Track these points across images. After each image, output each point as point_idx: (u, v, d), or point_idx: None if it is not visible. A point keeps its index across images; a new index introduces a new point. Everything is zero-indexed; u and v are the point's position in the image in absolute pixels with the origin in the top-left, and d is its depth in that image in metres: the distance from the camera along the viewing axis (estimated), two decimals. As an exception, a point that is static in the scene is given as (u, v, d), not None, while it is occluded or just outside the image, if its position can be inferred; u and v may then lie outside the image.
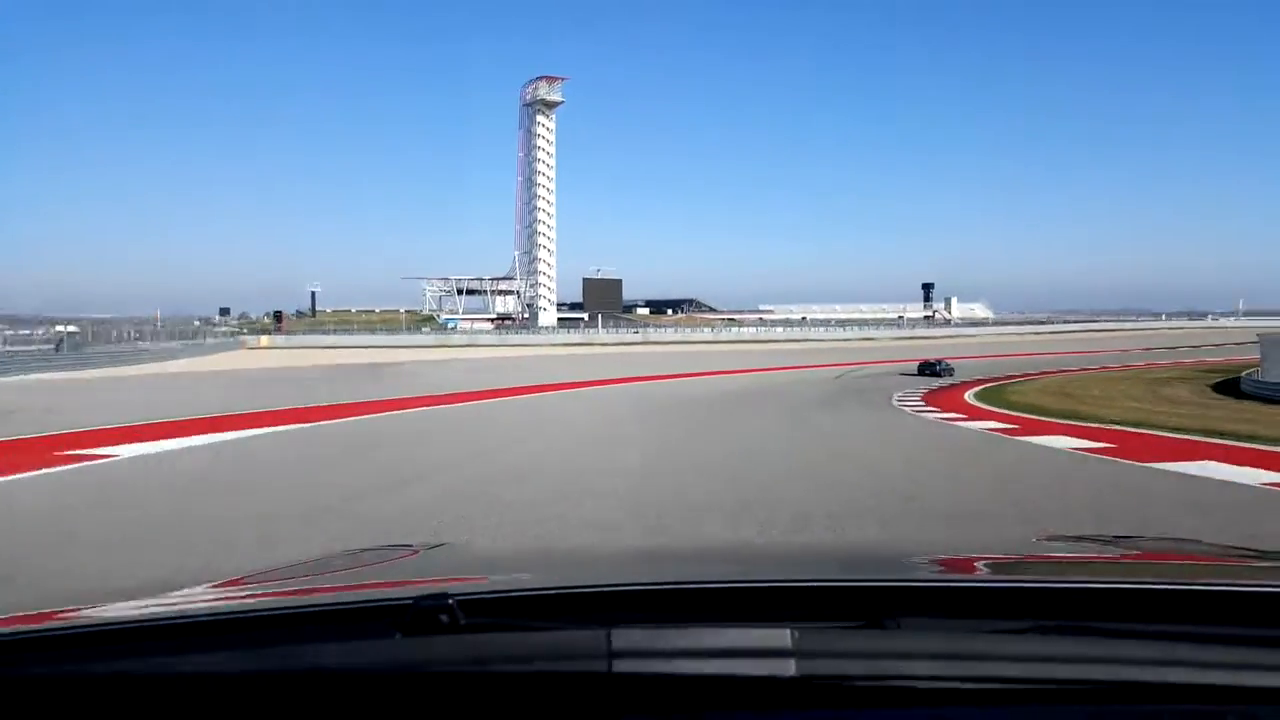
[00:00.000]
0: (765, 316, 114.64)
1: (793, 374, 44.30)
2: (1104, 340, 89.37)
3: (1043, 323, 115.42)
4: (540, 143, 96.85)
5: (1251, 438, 12.04)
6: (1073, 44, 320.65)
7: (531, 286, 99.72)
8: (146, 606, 1.23)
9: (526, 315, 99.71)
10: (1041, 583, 1.10)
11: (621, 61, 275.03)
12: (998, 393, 28.33)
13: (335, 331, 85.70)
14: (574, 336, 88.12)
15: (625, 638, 0.74)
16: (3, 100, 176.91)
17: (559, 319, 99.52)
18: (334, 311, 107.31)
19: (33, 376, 31.57)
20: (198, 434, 12.96)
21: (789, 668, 0.71)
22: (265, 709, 0.74)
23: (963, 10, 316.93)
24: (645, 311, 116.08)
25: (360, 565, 1.83)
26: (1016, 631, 0.85)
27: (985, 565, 1.38)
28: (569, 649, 0.75)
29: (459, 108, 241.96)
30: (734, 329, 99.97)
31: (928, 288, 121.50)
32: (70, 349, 42.71)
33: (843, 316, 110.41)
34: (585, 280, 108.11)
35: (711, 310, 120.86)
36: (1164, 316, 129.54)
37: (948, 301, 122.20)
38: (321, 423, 15.82)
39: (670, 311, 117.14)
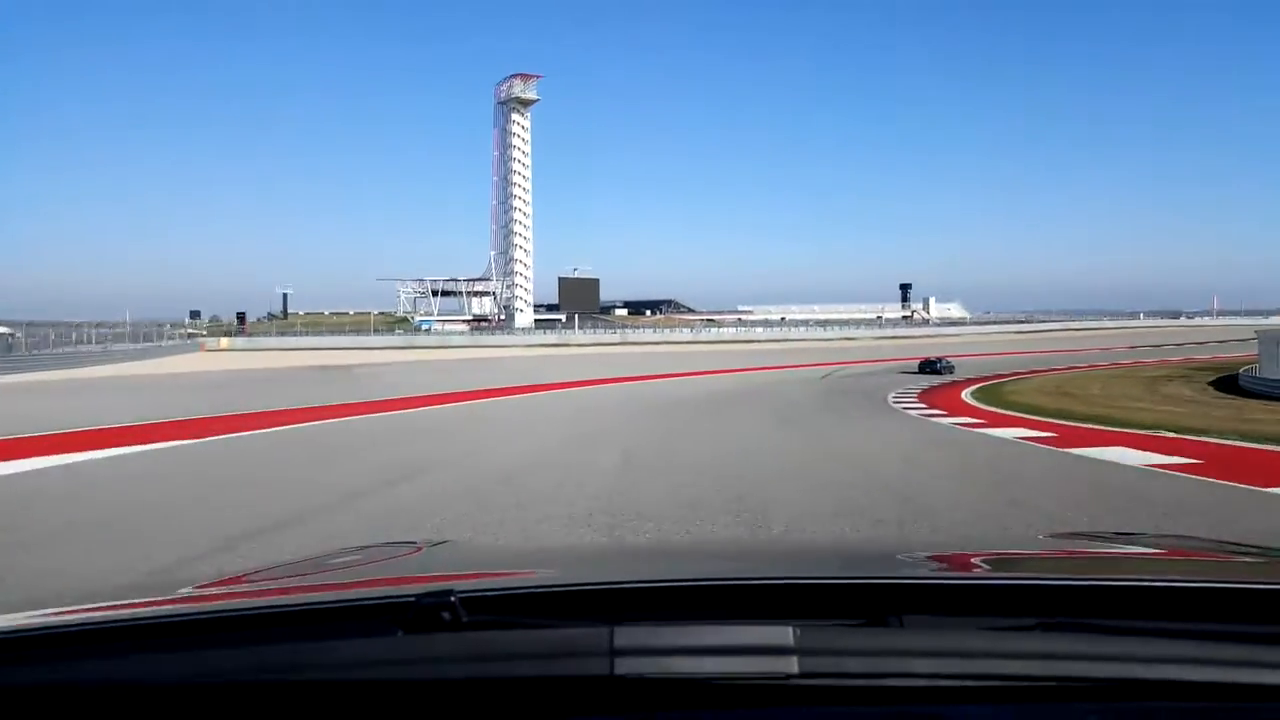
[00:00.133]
0: (744, 317, 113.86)
1: (778, 374, 43.27)
2: (1084, 339, 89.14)
3: (1022, 322, 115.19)
4: (516, 141, 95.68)
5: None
6: (1056, 45, 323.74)
7: (508, 288, 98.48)
8: (147, 605, 1.22)
9: (503, 317, 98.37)
10: (1043, 580, 1.09)
11: (598, 61, 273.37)
12: (1005, 394, 27.02)
13: (303, 333, 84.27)
14: (549, 337, 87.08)
15: (628, 635, 0.74)
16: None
17: (536, 320, 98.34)
18: (307, 314, 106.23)
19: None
20: (47, 453, 10.31)
21: (791, 665, 0.71)
22: (267, 707, 0.74)
23: (954, 11, 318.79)
24: (623, 312, 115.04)
25: (362, 562, 1.80)
26: (1018, 629, 0.84)
27: (987, 563, 1.38)
28: (571, 646, 0.75)
29: (437, 106, 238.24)
30: (713, 329, 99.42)
31: (905, 288, 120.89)
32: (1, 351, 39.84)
33: (821, 317, 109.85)
34: (561, 280, 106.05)
35: (690, 311, 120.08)
36: (1141, 315, 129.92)
37: (925, 302, 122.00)
38: (215, 438, 13.18)
39: (649, 312, 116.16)
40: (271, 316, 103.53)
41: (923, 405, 22.14)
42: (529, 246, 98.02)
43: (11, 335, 44.92)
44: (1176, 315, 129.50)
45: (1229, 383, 28.11)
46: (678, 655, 0.73)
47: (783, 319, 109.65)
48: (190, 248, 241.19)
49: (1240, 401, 21.43)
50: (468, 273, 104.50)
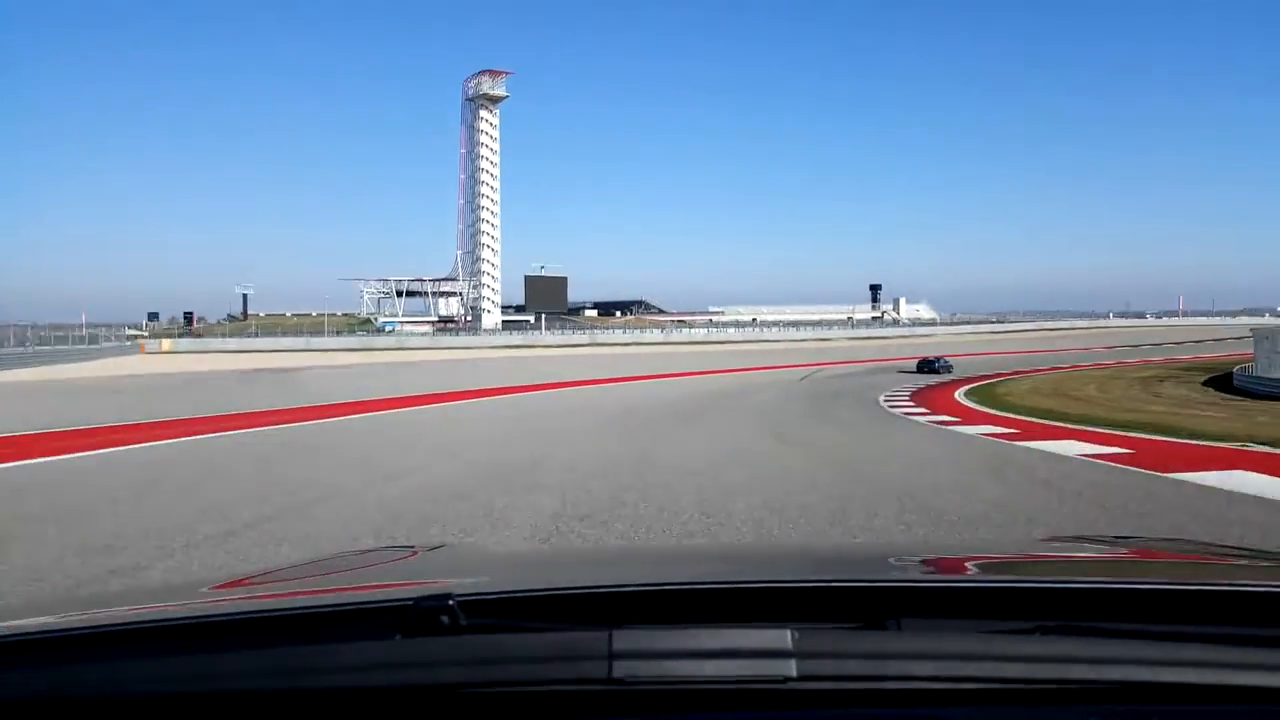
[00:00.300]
0: (715, 318, 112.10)
1: (759, 376, 40.71)
2: (1058, 339, 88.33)
3: (995, 323, 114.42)
4: (484, 139, 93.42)
5: None
6: (1007, 43, 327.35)
7: (475, 288, 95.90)
8: (145, 608, 1.20)
9: (470, 318, 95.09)
10: (1042, 583, 1.09)
11: (566, 59, 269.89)
12: (1005, 395, 25.28)
13: (257, 334, 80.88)
14: (515, 339, 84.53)
15: (626, 638, 0.74)
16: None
17: (504, 322, 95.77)
18: (268, 315, 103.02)
19: None
20: None
21: (790, 668, 0.71)
22: (266, 711, 0.74)
23: (911, 11, 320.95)
24: (593, 313, 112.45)
25: (360, 566, 1.81)
26: (1017, 632, 0.84)
27: (985, 566, 1.37)
28: (570, 650, 0.75)
29: (406, 102, 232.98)
30: (685, 330, 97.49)
31: (875, 289, 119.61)
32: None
33: (792, 318, 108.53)
34: (527, 278, 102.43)
35: (661, 312, 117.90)
36: (1111, 316, 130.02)
37: (896, 302, 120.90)
38: (57, 458, 10.04)
39: (619, 313, 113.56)
40: (231, 318, 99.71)
41: (944, 416, 19.26)
42: (497, 246, 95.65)
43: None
44: (1143, 315, 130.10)
45: (1223, 382, 28.16)
46: (676, 658, 0.73)
47: (754, 320, 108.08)
48: (152, 250, 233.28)
49: (1248, 403, 20.49)
50: (434, 273, 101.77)
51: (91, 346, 53.26)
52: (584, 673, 0.71)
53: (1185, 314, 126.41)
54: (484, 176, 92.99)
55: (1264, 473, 7.93)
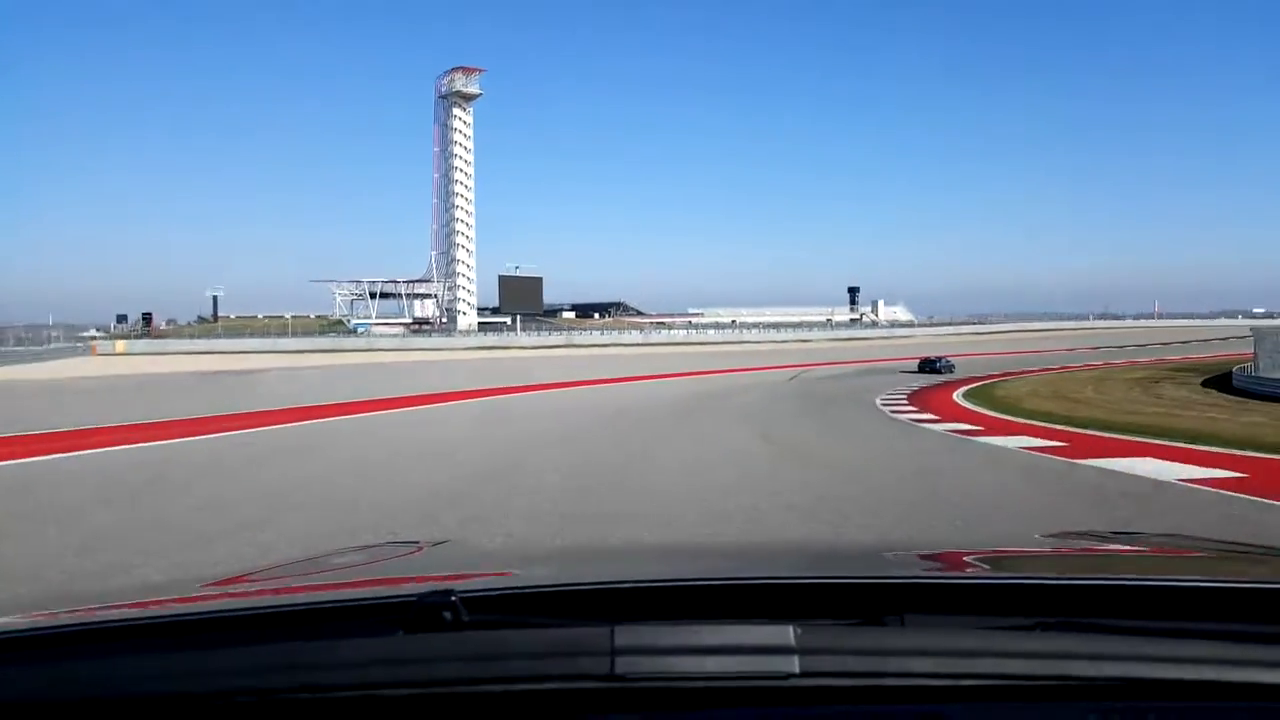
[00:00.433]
0: (695, 320, 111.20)
1: (743, 378, 38.61)
2: (1041, 340, 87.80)
3: (976, 324, 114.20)
4: (458, 137, 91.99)
5: None
6: (995, 46, 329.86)
7: (450, 289, 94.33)
8: (147, 605, 1.21)
9: (445, 319, 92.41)
10: (1043, 579, 1.09)
11: (544, 58, 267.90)
12: (1004, 398, 23.77)
13: (222, 336, 79.08)
14: (489, 340, 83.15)
15: (628, 634, 0.74)
16: None
17: (480, 323, 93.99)
18: (239, 317, 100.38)
19: None
20: None
21: (792, 665, 0.71)
22: (268, 708, 0.74)
23: (895, 12, 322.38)
24: (571, 315, 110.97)
25: (363, 562, 1.79)
26: (1019, 628, 0.84)
27: (987, 562, 1.37)
28: (572, 646, 0.75)
29: (384, 103, 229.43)
30: (664, 332, 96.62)
31: (854, 291, 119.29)
32: None
33: (772, 320, 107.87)
34: (502, 278, 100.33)
35: (639, 313, 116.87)
36: (1091, 317, 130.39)
37: (874, 305, 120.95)
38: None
39: (597, 315, 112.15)
40: (201, 319, 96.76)
41: (965, 425, 17.46)
42: (471, 247, 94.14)
43: None
44: (1120, 318, 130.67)
45: (1222, 382, 27.70)
46: (678, 655, 0.73)
47: (734, 322, 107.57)
48: (126, 252, 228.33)
49: (1269, 406, 19.01)
50: (408, 274, 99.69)
51: (36, 348, 50.81)
52: (586, 669, 0.71)
53: (1161, 316, 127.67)
54: (458, 175, 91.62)
55: None
